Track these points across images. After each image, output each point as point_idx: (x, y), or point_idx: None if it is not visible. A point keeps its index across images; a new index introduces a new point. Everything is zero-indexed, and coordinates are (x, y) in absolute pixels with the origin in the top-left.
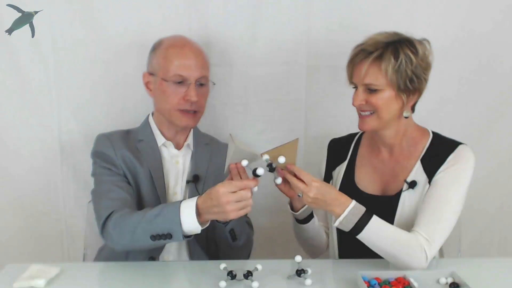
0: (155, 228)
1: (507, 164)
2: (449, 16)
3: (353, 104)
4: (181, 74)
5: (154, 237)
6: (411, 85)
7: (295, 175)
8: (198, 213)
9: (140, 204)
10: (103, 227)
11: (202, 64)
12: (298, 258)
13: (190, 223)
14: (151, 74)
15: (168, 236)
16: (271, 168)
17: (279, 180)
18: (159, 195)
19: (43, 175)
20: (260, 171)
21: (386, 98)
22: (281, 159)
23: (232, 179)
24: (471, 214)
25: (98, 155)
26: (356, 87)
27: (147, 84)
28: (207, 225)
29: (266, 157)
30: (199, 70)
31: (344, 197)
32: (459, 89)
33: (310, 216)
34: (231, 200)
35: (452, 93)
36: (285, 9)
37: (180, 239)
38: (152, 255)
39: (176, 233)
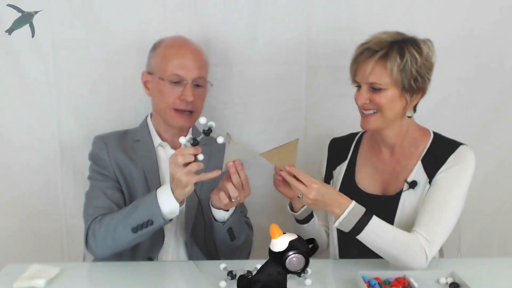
0: (135, 220)
1: (507, 164)
2: (449, 16)
3: (356, 103)
4: (178, 73)
5: (135, 229)
6: (415, 84)
7: (294, 177)
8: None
9: None
10: (86, 237)
11: (200, 65)
12: None
13: (168, 203)
14: (149, 73)
15: (150, 223)
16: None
17: (220, 139)
18: None
19: (43, 175)
20: (220, 140)
21: (390, 97)
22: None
23: (230, 177)
24: (471, 214)
25: (92, 158)
26: (359, 86)
27: (145, 83)
28: (183, 204)
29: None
30: (197, 71)
31: (344, 198)
32: (459, 89)
33: (310, 216)
34: (172, 165)
35: (452, 93)
36: (285, 9)
37: (161, 221)
38: (150, 255)
39: (156, 217)
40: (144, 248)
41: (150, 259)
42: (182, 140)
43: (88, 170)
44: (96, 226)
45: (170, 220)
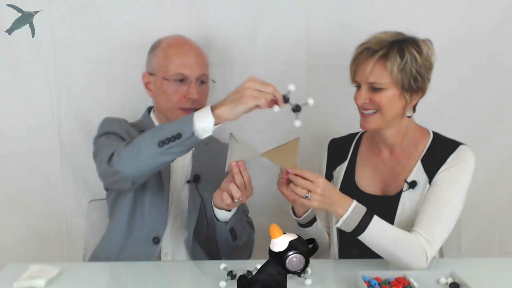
0: (163, 133)
1: (507, 164)
2: (449, 16)
3: (356, 103)
4: (182, 72)
5: (161, 142)
6: (415, 84)
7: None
8: (214, 114)
9: (140, 197)
10: (110, 158)
11: (202, 62)
12: None
13: (203, 119)
14: (151, 74)
15: (178, 137)
16: (296, 108)
17: (298, 123)
18: (164, 184)
19: (43, 175)
20: (311, 102)
21: (390, 97)
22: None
23: (233, 178)
24: (471, 214)
25: (104, 132)
26: (358, 86)
27: (146, 85)
28: (219, 124)
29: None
30: (200, 68)
31: (346, 197)
32: (459, 89)
33: (313, 220)
34: (253, 86)
35: (452, 93)
36: (285, 8)
37: (189, 134)
38: (156, 235)
39: (186, 129)
40: (149, 226)
41: (156, 239)
42: (291, 87)
43: (94, 146)
44: (121, 148)
45: (201, 140)
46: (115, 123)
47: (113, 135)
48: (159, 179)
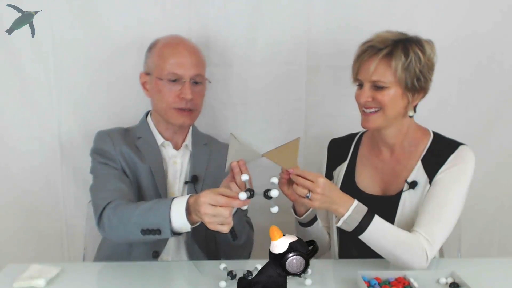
0: (145, 223)
1: (507, 164)
2: (449, 16)
3: (357, 101)
4: (176, 72)
5: (144, 232)
6: (418, 84)
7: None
8: (189, 212)
9: (140, 200)
10: (99, 218)
11: (197, 62)
12: None
13: (180, 221)
14: (147, 74)
15: (157, 232)
16: (266, 196)
17: (275, 209)
18: (161, 193)
19: (43, 175)
20: (274, 193)
21: (393, 96)
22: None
23: (233, 177)
24: (471, 214)
25: (96, 152)
26: (360, 85)
27: (144, 84)
28: (197, 224)
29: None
30: (194, 68)
31: (347, 197)
32: (459, 89)
33: (313, 219)
34: (208, 212)
35: (452, 93)
36: (285, 9)
37: (168, 235)
38: (156, 249)
39: (164, 229)
40: (149, 241)
41: (156, 253)
42: (243, 196)
43: (91, 164)
44: (110, 213)
45: (180, 234)
46: (108, 141)
47: (104, 159)
48: (156, 191)
